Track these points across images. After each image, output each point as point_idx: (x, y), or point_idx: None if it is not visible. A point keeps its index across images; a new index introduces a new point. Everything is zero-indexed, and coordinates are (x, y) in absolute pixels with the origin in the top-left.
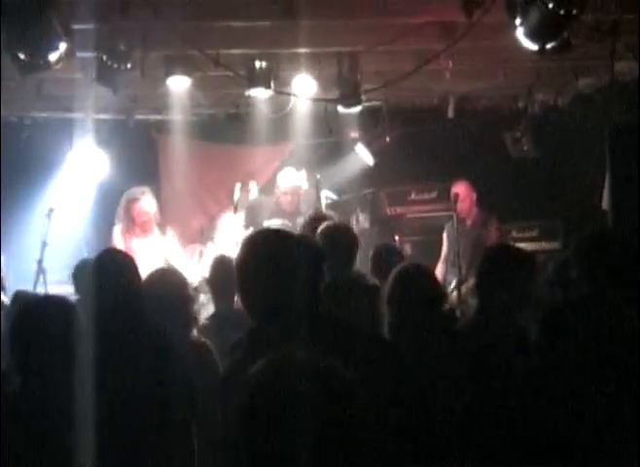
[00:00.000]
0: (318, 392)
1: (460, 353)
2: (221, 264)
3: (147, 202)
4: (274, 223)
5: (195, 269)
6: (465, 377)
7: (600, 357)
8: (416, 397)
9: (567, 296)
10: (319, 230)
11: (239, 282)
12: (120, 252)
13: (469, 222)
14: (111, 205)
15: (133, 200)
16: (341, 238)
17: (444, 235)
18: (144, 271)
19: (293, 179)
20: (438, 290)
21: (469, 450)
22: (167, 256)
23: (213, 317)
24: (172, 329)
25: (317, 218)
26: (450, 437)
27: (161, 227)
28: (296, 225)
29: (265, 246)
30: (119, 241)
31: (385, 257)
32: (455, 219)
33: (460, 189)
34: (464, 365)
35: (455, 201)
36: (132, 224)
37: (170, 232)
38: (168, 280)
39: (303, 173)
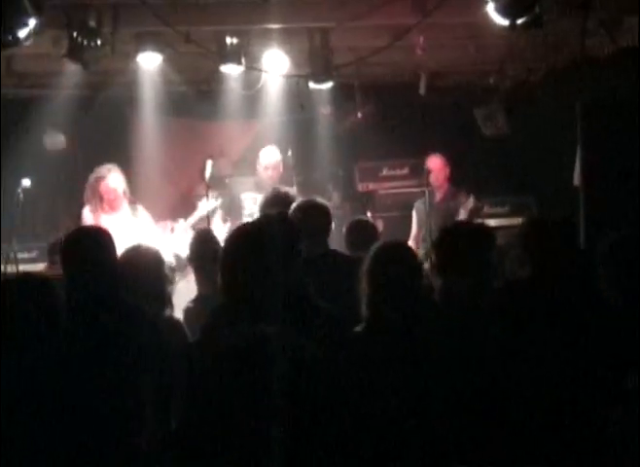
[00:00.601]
0: (285, 367)
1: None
2: (204, 244)
3: (114, 179)
4: (251, 196)
5: (167, 244)
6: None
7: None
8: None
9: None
10: (294, 205)
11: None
12: (96, 228)
13: (439, 196)
14: (81, 183)
15: (100, 178)
16: (316, 214)
17: (414, 213)
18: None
19: (274, 155)
20: (418, 264)
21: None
22: (139, 232)
23: (197, 300)
24: (146, 307)
25: (278, 195)
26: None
27: (132, 203)
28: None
29: (237, 236)
30: (88, 220)
31: (359, 232)
32: (427, 195)
33: (434, 162)
34: (450, 338)
35: (427, 176)
36: (100, 201)
37: (140, 207)
38: (144, 258)
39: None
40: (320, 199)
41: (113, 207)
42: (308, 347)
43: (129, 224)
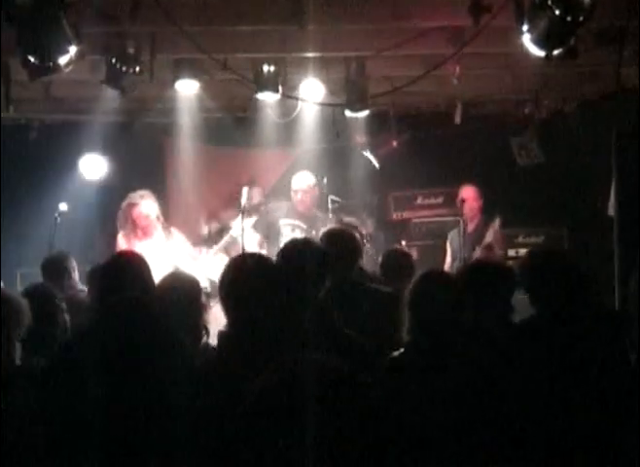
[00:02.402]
0: (336, 395)
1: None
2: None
3: (146, 206)
4: (289, 222)
5: (202, 269)
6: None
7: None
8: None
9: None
10: (322, 233)
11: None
12: (133, 254)
13: (471, 226)
14: (117, 208)
15: (132, 205)
16: (345, 243)
17: (448, 243)
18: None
19: (305, 179)
20: (459, 296)
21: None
22: (173, 258)
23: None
24: (182, 335)
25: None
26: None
27: (166, 228)
28: (310, 226)
29: (240, 268)
30: (122, 246)
31: (395, 261)
32: (461, 225)
33: (467, 192)
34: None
35: (461, 206)
36: (133, 228)
37: (175, 230)
38: (181, 286)
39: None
40: (349, 227)
41: (146, 233)
42: (358, 374)
43: (163, 249)
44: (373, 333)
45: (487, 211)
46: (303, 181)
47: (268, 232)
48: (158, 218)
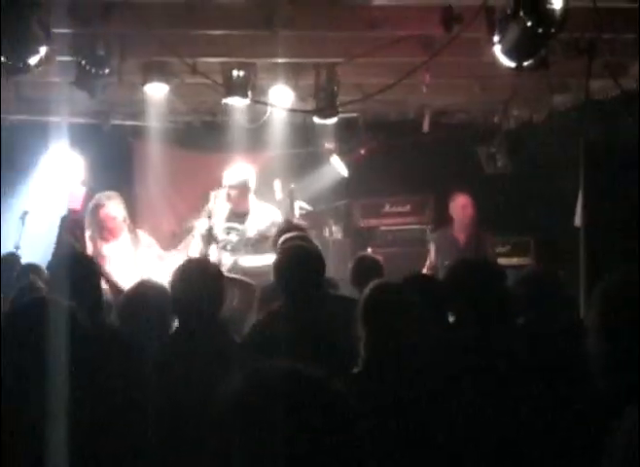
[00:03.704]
0: (307, 402)
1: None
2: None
3: (114, 207)
4: (225, 225)
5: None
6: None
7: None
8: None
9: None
10: (279, 242)
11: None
12: (80, 255)
13: (463, 235)
14: (85, 209)
15: (99, 206)
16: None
17: (431, 244)
18: (116, 276)
19: (238, 174)
20: (412, 304)
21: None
22: (139, 261)
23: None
24: (149, 341)
25: (289, 228)
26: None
27: (132, 231)
28: (245, 227)
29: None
30: (88, 247)
31: (364, 268)
32: (449, 229)
33: (465, 200)
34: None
35: (463, 213)
36: (100, 229)
37: (142, 232)
38: (149, 295)
39: (278, 183)
40: (297, 229)
41: (113, 235)
42: (330, 382)
43: (130, 251)
44: (337, 342)
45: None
46: (233, 177)
47: (209, 235)
48: (124, 220)
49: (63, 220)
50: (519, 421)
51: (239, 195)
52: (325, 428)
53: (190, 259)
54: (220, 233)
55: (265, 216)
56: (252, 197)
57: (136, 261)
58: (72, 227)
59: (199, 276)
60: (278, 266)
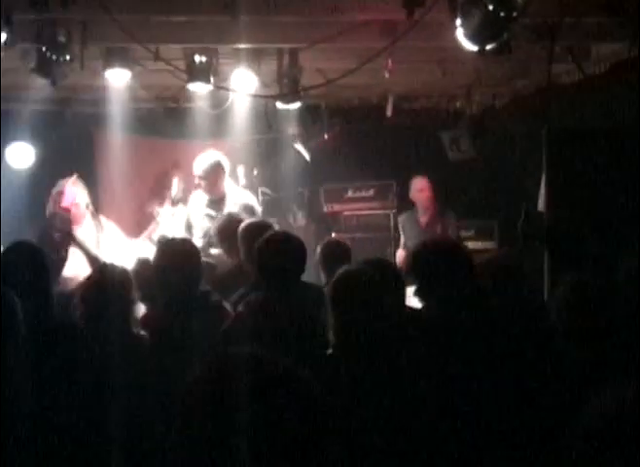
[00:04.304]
0: (267, 386)
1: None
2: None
3: (78, 189)
4: (202, 211)
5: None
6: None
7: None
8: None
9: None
10: (240, 228)
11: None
12: (29, 245)
13: (424, 219)
14: (44, 197)
15: (62, 192)
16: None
17: (400, 225)
18: (80, 262)
19: (205, 161)
20: (380, 289)
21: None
22: (103, 246)
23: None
24: (111, 327)
25: (233, 220)
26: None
27: (95, 216)
28: (218, 211)
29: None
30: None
31: (334, 253)
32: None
33: (422, 183)
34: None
35: (420, 197)
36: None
37: (104, 219)
38: (112, 279)
39: (241, 169)
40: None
41: (75, 221)
42: (282, 362)
43: (93, 238)
44: (305, 328)
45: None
46: (199, 166)
47: (187, 223)
48: (87, 206)
49: (52, 217)
50: (485, 401)
51: (209, 181)
52: (289, 412)
53: (170, 240)
54: (197, 220)
55: (237, 201)
56: (228, 181)
57: (100, 247)
58: (61, 225)
59: (182, 255)
60: (259, 255)
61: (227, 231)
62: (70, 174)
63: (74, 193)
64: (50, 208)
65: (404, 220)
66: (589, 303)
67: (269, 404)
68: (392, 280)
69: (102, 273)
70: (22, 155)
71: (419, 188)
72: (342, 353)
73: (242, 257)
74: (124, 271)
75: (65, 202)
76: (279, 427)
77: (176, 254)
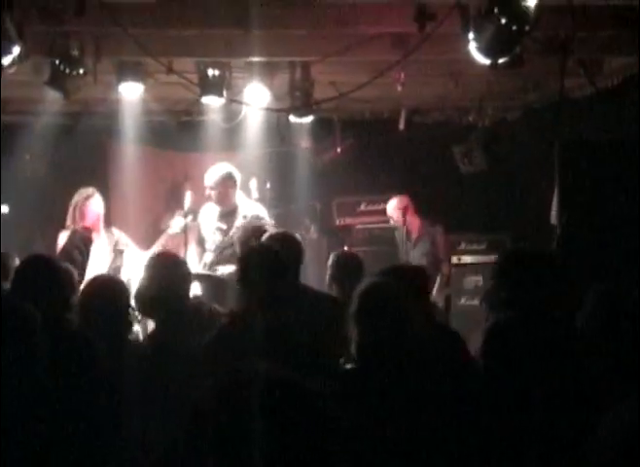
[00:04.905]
0: (287, 406)
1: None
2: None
3: (97, 202)
4: (214, 225)
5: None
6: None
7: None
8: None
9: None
10: (264, 238)
11: None
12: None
13: (414, 234)
14: (58, 210)
15: (89, 196)
16: (288, 248)
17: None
18: (95, 270)
19: (215, 172)
20: (407, 306)
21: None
22: (116, 258)
23: None
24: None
25: (256, 230)
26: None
27: (108, 229)
28: (230, 225)
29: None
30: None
31: (346, 265)
32: (404, 230)
33: (403, 201)
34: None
35: (404, 215)
36: (83, 223)
37: (116, 230)
38: (106, 291)
39: (254, 182)
40: (291, 234)
41: (95, 229)
42: (305, 383)
43: (105, 250)
44: (320, 340)
45: (430, 218)
46: (210, 178)
47: (199, 237)
48: (101, 217)
49: (74, 233)
50: (517, 415)
51: (220, 192)
52: (302, 428)
53: (153, 254)
54: (209, 233)
55: (248, 213)
56: (239, 194)
57: (111, 259)
58: (81, 243)
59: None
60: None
61: (248, 241)
62: (86, 186)
63: (96, 212)
64: (70, 222)
65: (398, 235)
66: (620, 312)
67: (278, 418)
68: (414, 288)
69: (93, 284)
70: (35, 167)
71: (395, 207)
72: (367, 368)
73: None
74: (116, 281)
75: (87, 221)
76: (287, 440)
77: (162, 268)
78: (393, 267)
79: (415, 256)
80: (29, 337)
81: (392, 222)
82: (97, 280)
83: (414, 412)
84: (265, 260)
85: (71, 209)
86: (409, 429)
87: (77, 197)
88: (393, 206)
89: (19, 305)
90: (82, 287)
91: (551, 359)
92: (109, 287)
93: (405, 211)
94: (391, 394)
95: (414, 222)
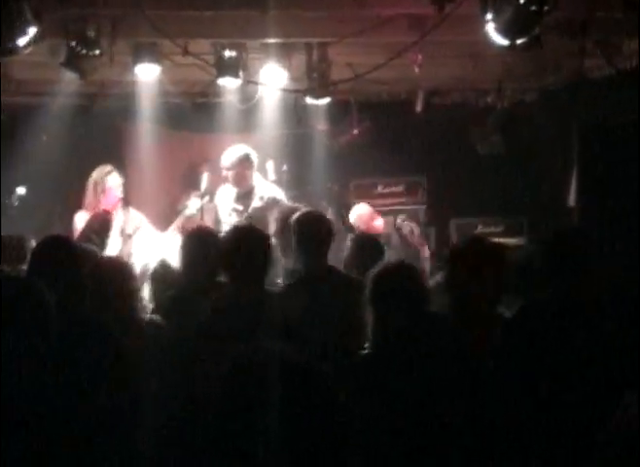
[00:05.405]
0: (295, 385)
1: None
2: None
3: (116, 178)
4: (230, 206)
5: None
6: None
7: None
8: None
9: (531, 296)
10: (294, 217)
11: None
12: (62, 237)
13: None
14: (74, 191)
15: (109, 172)
16: (316, 227)
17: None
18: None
19: (233, 153)
20: (423, 289)
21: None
22: (134, 238)
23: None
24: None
25: (289, 212)
26: (442, 441)
27: (125, 208)
28: (246, 207)
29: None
30: (81, 223)
31: (364, 248)
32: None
33: (363, 215)
34: (455, 367)
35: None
36: (98, 202)
37: (132, 209)
38: (112, 271)
39: (271, 164)
40: (320, 212)
41: (114, 206)
42: (316, 364)
43: (122, 229)
44: (345, 322)
45: (444, 200)
46: (227, 159)
47: (214, 217)
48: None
49: (94, 218)
50: (530, 403)
51: (237, 173)
52: (311, 409)
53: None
54: (225, 215)
55: (264, 195)
56: (256, 175)
57: (128, 239)
58: (100, 227)
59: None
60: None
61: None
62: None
63: (116, 194)
64: (91, 198)
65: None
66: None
67: (291, 399)
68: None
69: (97, 266)
70: (52, 148)
71: (364, 217)
72: (381, 354)
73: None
74: (121, 262)
75: (107, 204)
76: (298, 423)
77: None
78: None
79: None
80: (42, 319)
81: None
82: (102, 262)
83: (428, 400)
84: (317, 230)
85: (91, 185)
86: (422, 419)
87: (96, 174)
88: (356, 217)
89: (32, 286)
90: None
91: (580, 346)
92: (114, 270)
93: (369, 220)
94: (404, 381)
95: (378, 226)
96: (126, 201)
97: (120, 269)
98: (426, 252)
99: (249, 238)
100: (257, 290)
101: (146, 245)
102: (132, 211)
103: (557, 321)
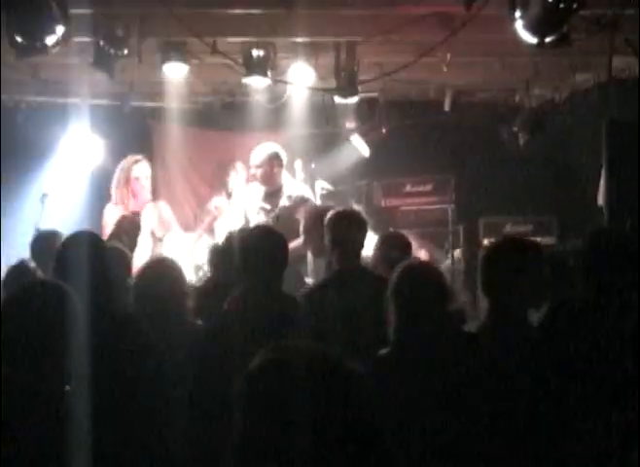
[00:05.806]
0: (322, 380)
1: (473, 356)
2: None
3: (144, 167)
4: (258, 205)
5: (187, 252)
6: (482, 380)
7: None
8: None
9: (565, 297)
10: (327, 216)
11: None
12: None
13: None
14: (104, 191)
15: (137, 161)
16: (351, 226)
17: None
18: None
19: (262, 151)
20: (445, 289)
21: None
22: (162, 234)
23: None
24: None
25: (321, 211)
26: (467, 440)
27: (155, 202)
28: (274, 206)
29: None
30: (112, 216)
31: (392, 247)
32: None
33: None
34: (479, 368)
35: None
36: (128, 191)
37: (163, 204)
38: (163, 275)
39: (299, 163)
40: (356, 209)
41: (142, 197)
42: (349, 363)
43: (151, 224)
44: (372, 320)
45: (472, 199)
46: (256, 156)
47: (242, 216)
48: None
49: (123, 218)
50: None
51: (266, 171)
52: (338, 406)
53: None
54: (253, 213)
55: (292, 194)
56: (285, 174)
57: (158, 242)
58: (130, 228)
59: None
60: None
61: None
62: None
63: (142, 185)
64: (120, 179)
65: None
66: None
67: (323, 397)
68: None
69: (151, 267)
70: (84, 148)
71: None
72: (402, 353)
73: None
74: (174, 264)
75: (136, 206)
76: (331, 419)
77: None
78: None
79: None
80: (69, 324)
81: None
82: (153, 263)
83: (449, 403)
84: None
85: (118, 175)
86: (442, 422)
87: (124, 163)
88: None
89: (55, 287)
90: (136, 270)
91: (619, 346)
92: (165, 271)
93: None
94: (422, 382)
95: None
96: (156, 196)
97: (172, 269)
98: (424, 254)
99: (265, 240)
100: (274, 290)
101: (176, 248)
102: (163, 207)
103: (595, 321)
